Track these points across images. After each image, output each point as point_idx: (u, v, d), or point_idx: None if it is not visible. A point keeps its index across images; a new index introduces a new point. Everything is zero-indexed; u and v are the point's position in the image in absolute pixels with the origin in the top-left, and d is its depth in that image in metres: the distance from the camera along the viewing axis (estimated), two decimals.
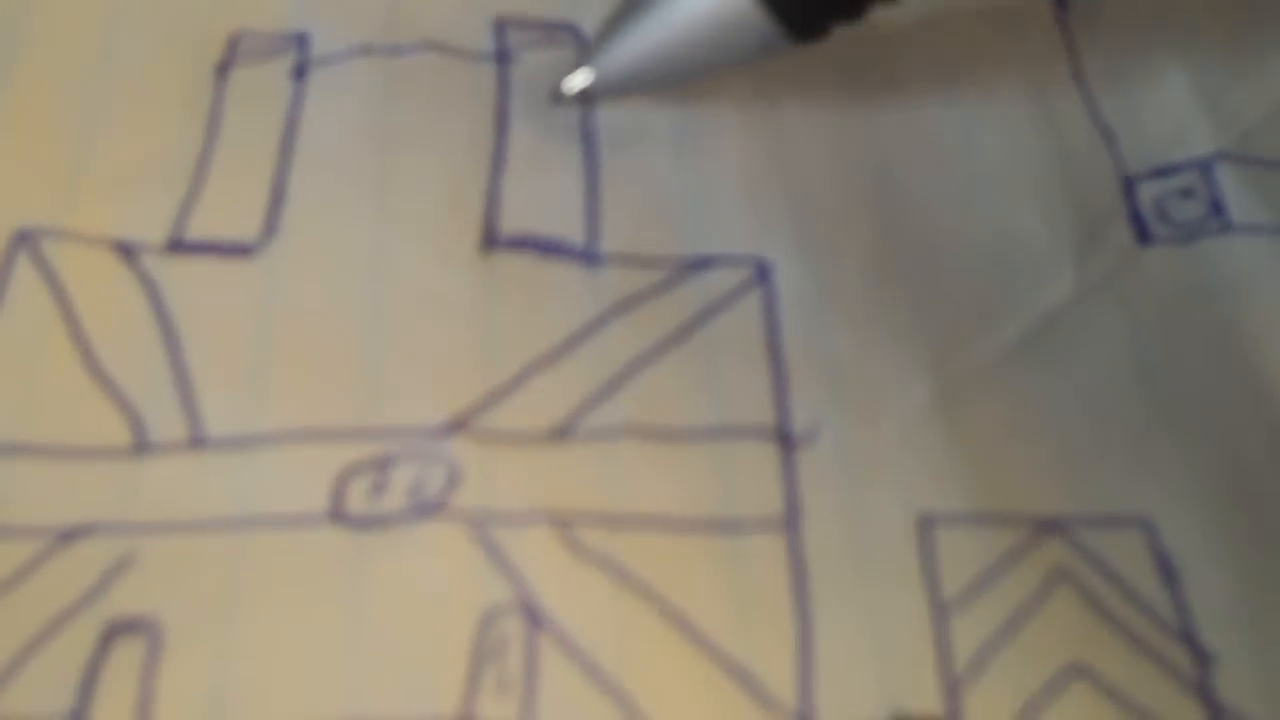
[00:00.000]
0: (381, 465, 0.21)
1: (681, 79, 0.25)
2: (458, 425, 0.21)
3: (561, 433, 0.21)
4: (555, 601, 0.20)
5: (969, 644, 0.20)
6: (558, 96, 0.25)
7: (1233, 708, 0.19)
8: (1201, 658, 0.20)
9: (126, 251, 0.24)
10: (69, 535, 0.20)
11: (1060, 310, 0.23)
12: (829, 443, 0.22)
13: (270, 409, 0.22)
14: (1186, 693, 0.20)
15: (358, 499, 0.21)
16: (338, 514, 0.21)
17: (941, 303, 0.23)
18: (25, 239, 0.23)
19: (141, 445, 0.21)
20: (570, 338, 0.22)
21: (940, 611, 0.20)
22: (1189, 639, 0.20)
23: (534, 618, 0.20)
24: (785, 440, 0.22)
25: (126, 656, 0.19)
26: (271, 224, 0.24)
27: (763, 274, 0.24)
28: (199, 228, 0.24)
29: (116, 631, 0.20)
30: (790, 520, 0.21)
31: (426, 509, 0.21)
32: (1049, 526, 0.21)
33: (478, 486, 0.21)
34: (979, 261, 0.24)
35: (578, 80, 0.24)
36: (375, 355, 0.22)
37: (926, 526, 0.21)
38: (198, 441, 0.22)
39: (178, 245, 0.24)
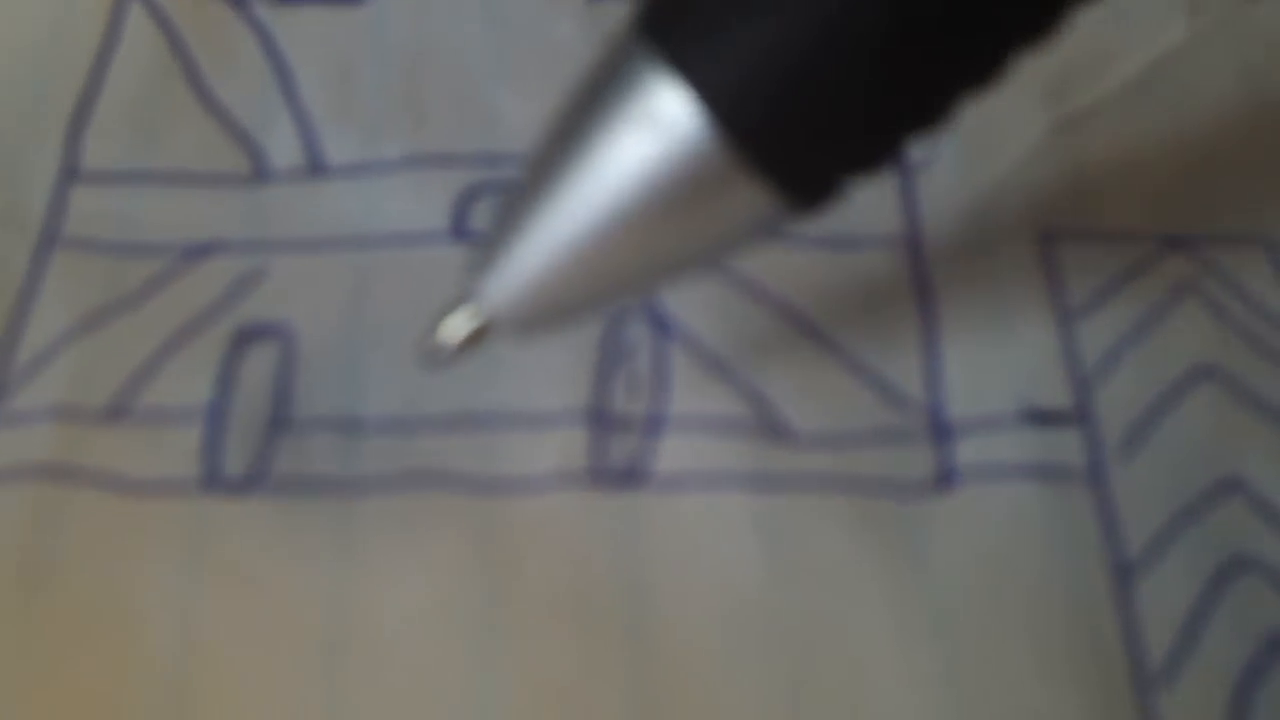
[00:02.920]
0: (501, 189, 0.21)
1: (625, 297, 0.18)
2: None
3: None
4: (680, 308, 0.20)
5: (1096, 346, 0.20)
6: (432, 355, 0.17)
7: None
8: None
9: (237, 1, 0.24)
10: (196, 251, 0.21)
11: (1174, 52, 0.23)
12: (948, 167, 0.22)
13: (388, 139, 0.22)
14: None
15: (478, 218, 0.21)
16: (459, 231, 0.21)
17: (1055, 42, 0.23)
18: None
19: (262, 172, 0.22)
20: None
21: (1066, 316, 0.20)
22: None
23: (660, 323, 0.20)
24: (902, 165, 0.22)
25: (261, 356, 0.20)
26: None
27: None
28: None
29: (250, 335, 0.20)
30: (910, 236, 0.21)
31: None
32: (1173, 243, 0.21)
33: None
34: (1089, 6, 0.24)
35: (457, 324, 0.16)
36: (491, 90, 0.22)
37: (1050, 242, 0.21)
38: (318, 169, 0.22)
39: None
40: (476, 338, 0.16)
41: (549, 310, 0.16)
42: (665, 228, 0.15)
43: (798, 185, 0.15)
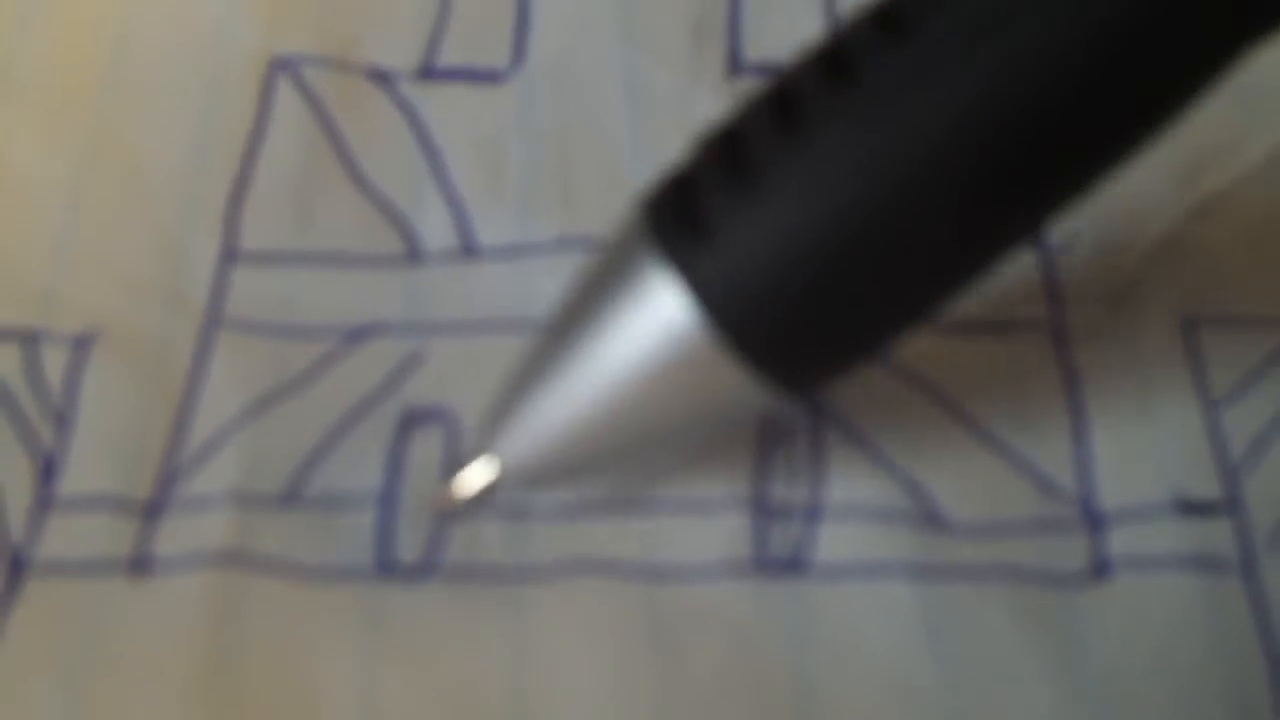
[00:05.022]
0: None
1: (623, 462, 0.19)
2: None
3: None
4: (835, 392, 0.20)
5: (1243, 434, 0.20)
6: (447, 506, 0.19)
7: None
8: None
9: (382, 79, 0.24)
10: (357, 334, 0.21)
11: None
12: (1088, 252, 0.22)
13: (538, 219, 0.22)
14: None
15: None
16: None
17: (1183, 129, 0.24)
18: (286, 66, 0.24)
19: (416, 253, 0.22)
20: None
21: (1211, 404, 0.20)
22: None
23: (815, 408, 0.20)
24: (1043, 249, 0.22)
25: (427, 440, 0.20)
26: (520, 50, 0.24)
27: None
28: (449, 56, 0.24)
29: (415, 420, 0.20)
30: (1055, 323, 0.21)
31: None
32: None
33: None
34: (1218, 90, 0.24)
35: (472, 479, 0.18)
36: (634, 168, 0.23)
37: (1191, 328, 0.21)
38: (471, 250, 0.22)
39: (430, 72, 0.24)
40: (488, 492, 0.18)
41: (553, 470, 0.18)
42: (658, 406, 0.17)
43: (783, 375, 0.17)
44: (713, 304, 0.16)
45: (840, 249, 0.16)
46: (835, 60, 0.16)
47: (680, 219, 0.16)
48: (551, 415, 0.17)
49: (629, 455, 0.18)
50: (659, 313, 0.16)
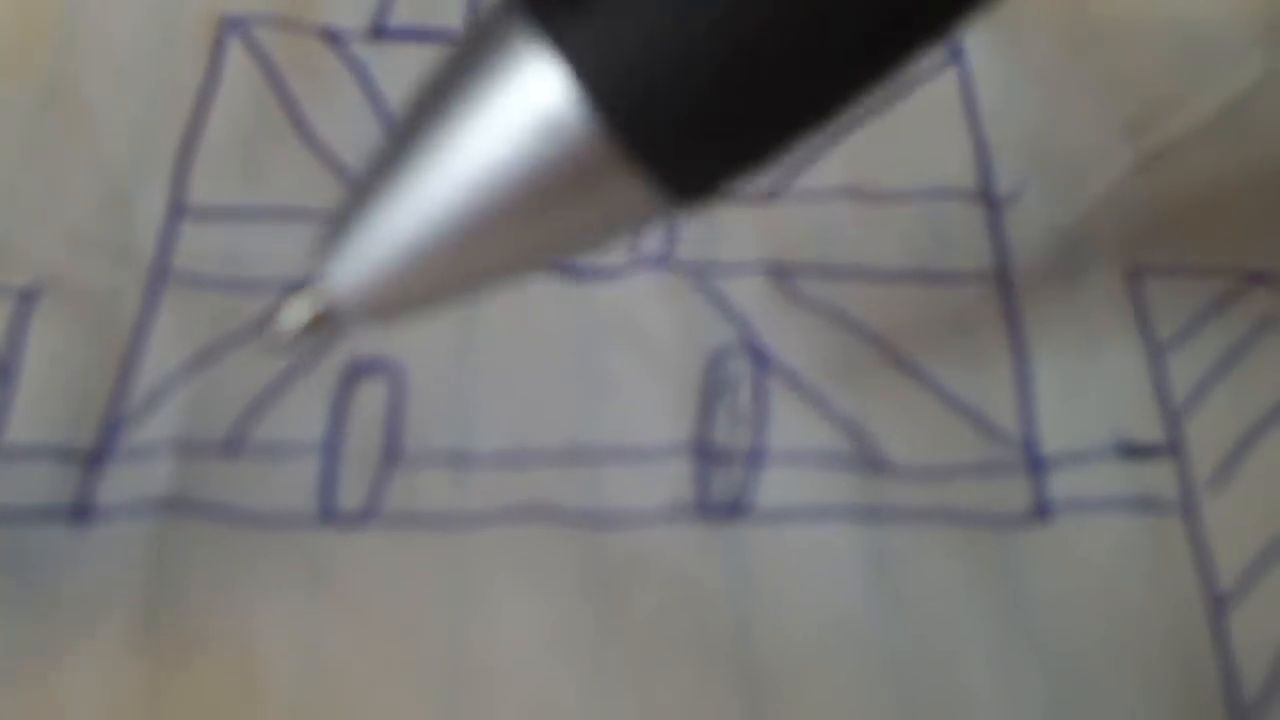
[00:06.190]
0: None
1: (482, 288, 0.15)
2: None
3: (775, 194, 0.22)
4: (779, 342, 0.21)
5: (1185, 380, 0.20)
6: (273, 342, 0.15)
7: None
8: None
9: (333, 38, 0.24)
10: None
11: (1252, 88, 0.24)
12: (1035, 203, 0.22)
13: None
14: None
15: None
16: (569, 267, 0.21)
17: (1132, 81, 0.24)
18: (236, 25, 0.24)
19: None
20: None
21: (1155, 350, 0.21)
22: None
23: (760, 357, 0.20)
24: (990, 201, 0.22)
25: (372, 391, 0.20)
26: (473, 7, 0.24)
27: (956, 54, 0.24)
28: (400, 15, 0.24)
29: (360, 370, 0.20)
30: (1000, 272, 0.21)
31: (650, 262, 0.21)
32: (1256, 278, 0.21)
33: (697, 241, 0.21)
34: (1167, 42, 0.24)
35: (298, 310, 0.15)
36: None
37: (1136, 277, 0.21)
38: None
39: (381, 32, 0.24)
40: (319, 324, 0.15)
41: (399, 299, 0.15)
42: (531, 217, 0.14)
43: (679, 180, 0.14)
44: (595, 83, 0.13)
45: (735, 16, 0.13)
46: None
47: None
48: (396, 230, 0.14)
49: (485, 279, 0.15)
50: (531, 96, 0.13)
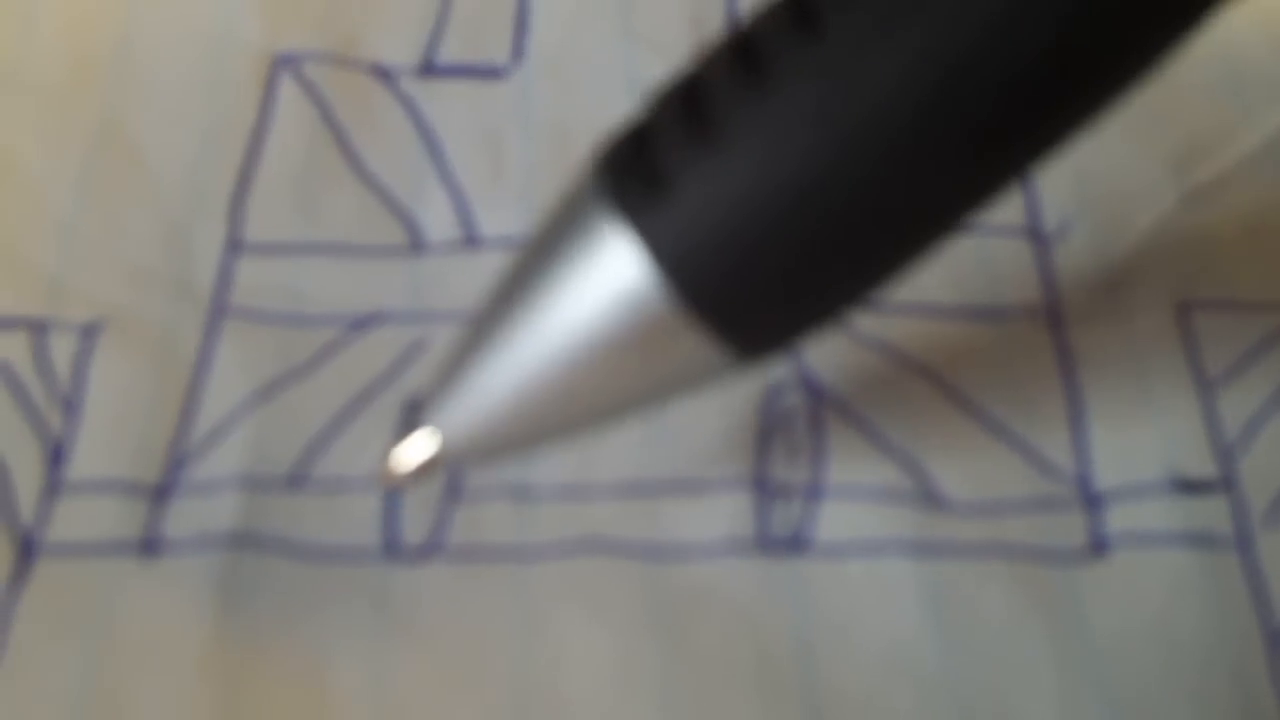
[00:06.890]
0: None
1: (572, 434, 0.17)
2: None
3: None
4: (834, 376, 0.21)
5: (1237, 415, 0.21)
6: (386, 481, 0.17)
7: None
8: None
9: (383, 75, 0.24)
10: (362, 322, 0.21)
11: None
12: (1082, 239, 0.22)
13: (539, 210, 0.23)
14: None
15: None
16: None
17: (1178, 116, 0.24)
18: (288, 62, 0.24)
19: (418, 244, 0.22)
20: None
21: (1206, 386, 0.21)
22: None
23: (815, 390, 0.21)
24: (1038, 237, 0.22)
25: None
26: (519, 46, 0.25)
27: None
28: (449, 52, 0.25)
29: (420, 404, 0.21)
30: (1050, 307, 0.22)
31: None
32: None
33: None
34: (1212, 77, 0.24)
35: (411, 454, 0.17)
36: None
37: (1185, 312, 0.21)
38: (472, 241, 0.22)
39: (430, 69, 0.25)
40: (429, 466, 0.17)
41: (500, 444, 0.17)
42: (611, 373, 0.16)
43: (751, 343, 0.16)
44: (670, 263, 0.15)
45: (804, 204, 0.14)
46: (800, 10, 0.15)
47: (637, 173, 0.15)
48: (496, 385, 0.16)
49: (578, 428, 0.17)
50: (613, 273, 0.15)
